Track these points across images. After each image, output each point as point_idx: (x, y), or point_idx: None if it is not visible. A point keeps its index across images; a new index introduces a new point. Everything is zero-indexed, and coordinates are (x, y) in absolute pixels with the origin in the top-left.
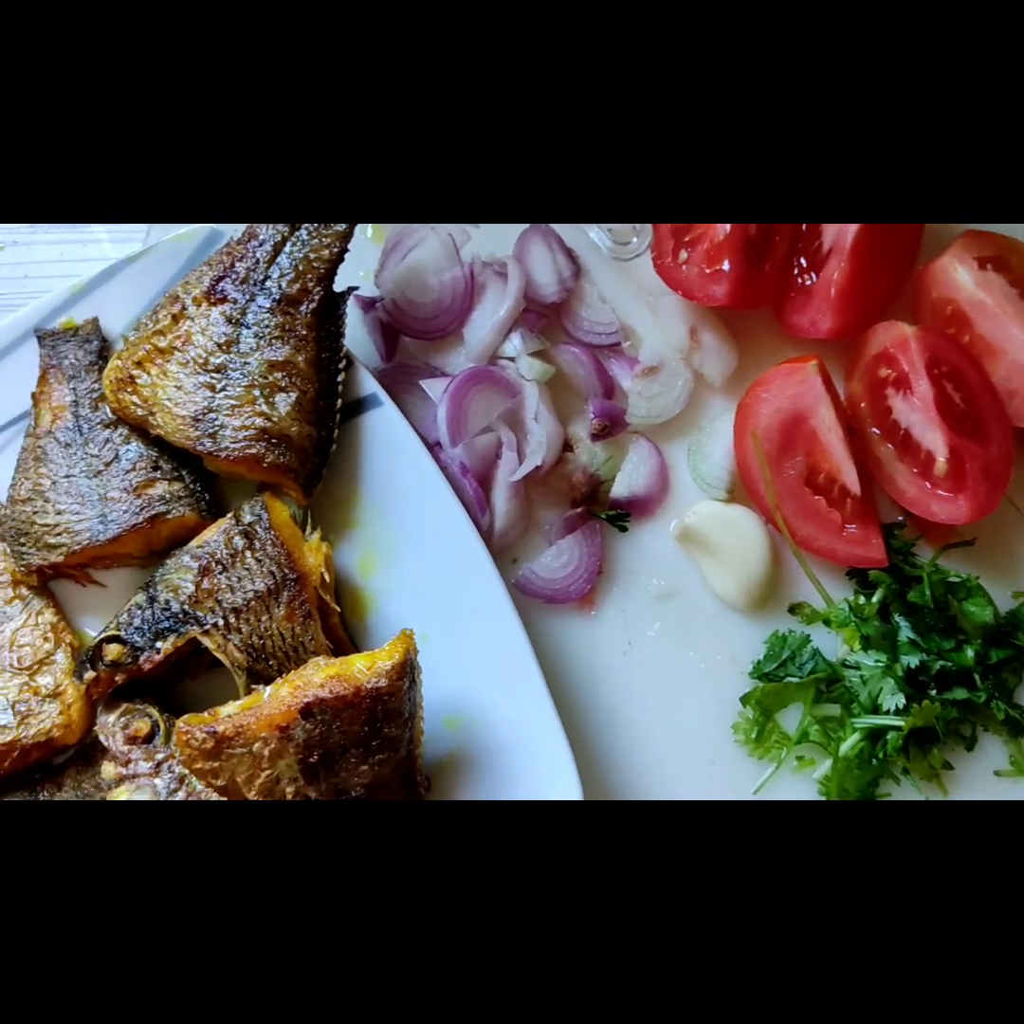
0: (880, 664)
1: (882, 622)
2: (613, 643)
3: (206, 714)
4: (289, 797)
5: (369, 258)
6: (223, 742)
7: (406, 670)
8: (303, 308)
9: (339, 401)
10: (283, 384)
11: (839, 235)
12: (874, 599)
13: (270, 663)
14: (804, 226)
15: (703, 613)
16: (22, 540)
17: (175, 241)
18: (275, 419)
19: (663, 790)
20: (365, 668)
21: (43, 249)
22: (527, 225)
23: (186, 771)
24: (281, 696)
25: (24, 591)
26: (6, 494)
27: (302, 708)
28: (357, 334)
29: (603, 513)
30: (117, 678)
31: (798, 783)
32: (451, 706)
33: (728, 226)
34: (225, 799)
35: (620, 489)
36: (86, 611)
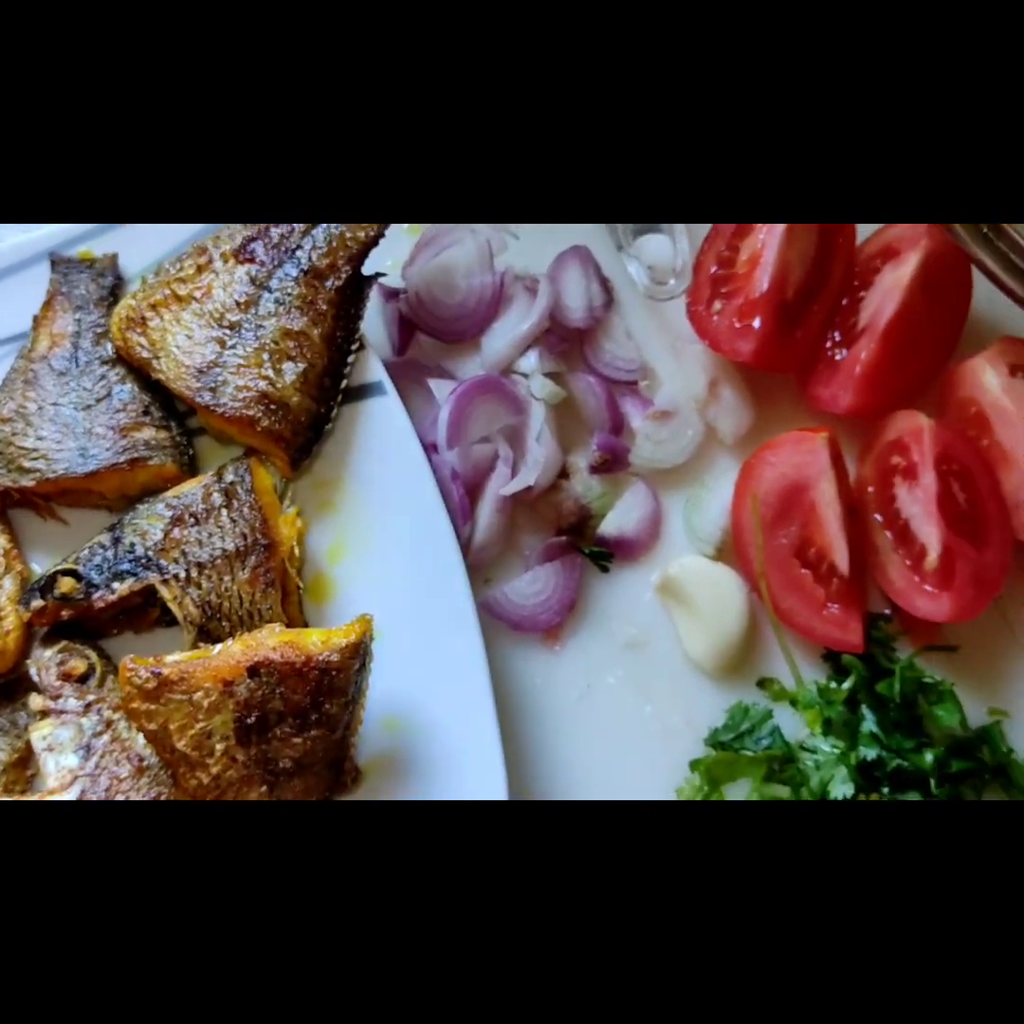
0: (836, 750)
1: (848, 710)
2: (571, 684)
3: (151, 659)
4: (216, 754)
5: (401, 249)
6: (165, 685)
7: (359, 651)
8: (328, 283)
9: (344, 382)
10: (293, 353)
11: (874, 315)
12: (845, 686)
13: (223, 625)
14: (845, 301)
15: (669, 670)
16: None
17: None
18: (278, 386)
19: None
20: (319, 641)
21: None
22: (569, 245)
23: (114, 716)
24: (231, 651)
25: None
26: None
27: (250, 666)
28: (375, 323)
29: (587, 548)
30: (64, 613)
31: None
32: (393, 708)
33: (766, 284)
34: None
35: (609, 527)
36: (40, 546)
